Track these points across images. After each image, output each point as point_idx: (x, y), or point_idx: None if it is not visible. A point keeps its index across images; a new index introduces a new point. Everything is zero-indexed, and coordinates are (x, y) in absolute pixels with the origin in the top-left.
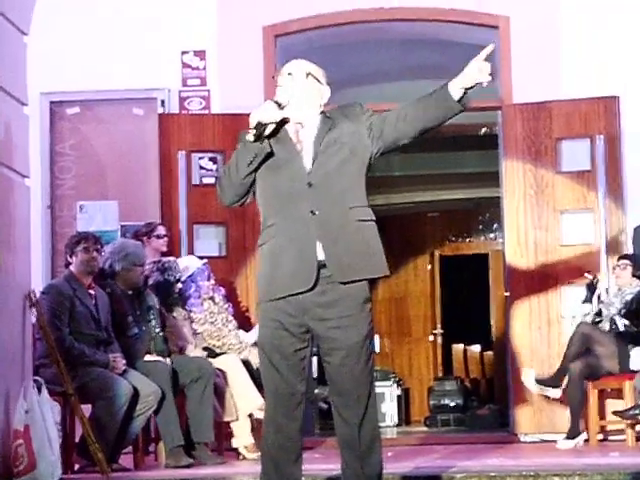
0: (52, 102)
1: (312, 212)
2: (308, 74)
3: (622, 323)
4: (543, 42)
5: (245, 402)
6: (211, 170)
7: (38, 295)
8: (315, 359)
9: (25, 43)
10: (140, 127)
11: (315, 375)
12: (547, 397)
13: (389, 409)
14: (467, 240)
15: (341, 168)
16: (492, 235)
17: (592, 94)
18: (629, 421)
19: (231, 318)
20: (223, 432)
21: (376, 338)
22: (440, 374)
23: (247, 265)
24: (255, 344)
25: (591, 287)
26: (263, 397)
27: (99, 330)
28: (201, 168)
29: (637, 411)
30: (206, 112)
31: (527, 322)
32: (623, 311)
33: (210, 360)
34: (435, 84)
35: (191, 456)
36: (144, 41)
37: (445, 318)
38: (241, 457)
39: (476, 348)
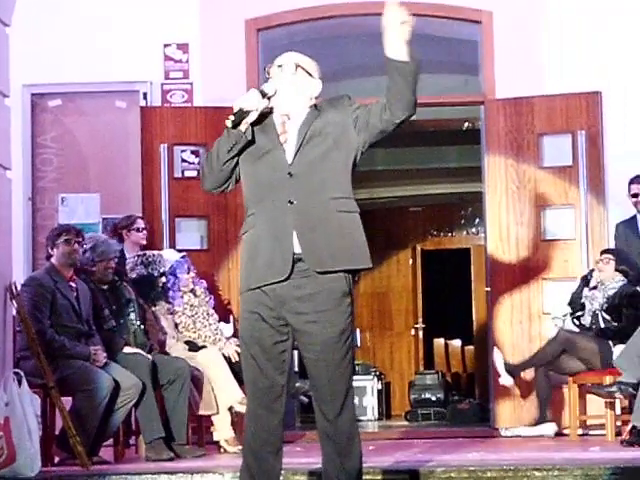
0: (34, 94)
1: (290, 202)
2: (297, 66)
3: (602, 319)
4: (526, 37)
5: (225, 395)
6: (193, 163)
7: (19, 287)
8: (296, 352)
9: (7, 34)
10: (122, 120)
11: (297, 369)
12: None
13: (370, 403)
14: (449, 235)
15: (324, 159)
16: (474, 230)
17: (574, 90)
18: (606, 399)
19: (212, 311)
20: (203, 425)
21: (357, 332)
22: (421, 368)
23: (229, 258)
24: (233, 336)
25: (584, 280)
26: (243, 391)
27: (80, 323)
28: (183, 161)
29: (614, 389)
30: (188, 105)
31: (508, 317)
32: (605, 306)
33: (191, 354)
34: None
35: (171, 449)
36: (126, 34)
37: (427, 312)
38: (222, 450)
39: (457, 342)
